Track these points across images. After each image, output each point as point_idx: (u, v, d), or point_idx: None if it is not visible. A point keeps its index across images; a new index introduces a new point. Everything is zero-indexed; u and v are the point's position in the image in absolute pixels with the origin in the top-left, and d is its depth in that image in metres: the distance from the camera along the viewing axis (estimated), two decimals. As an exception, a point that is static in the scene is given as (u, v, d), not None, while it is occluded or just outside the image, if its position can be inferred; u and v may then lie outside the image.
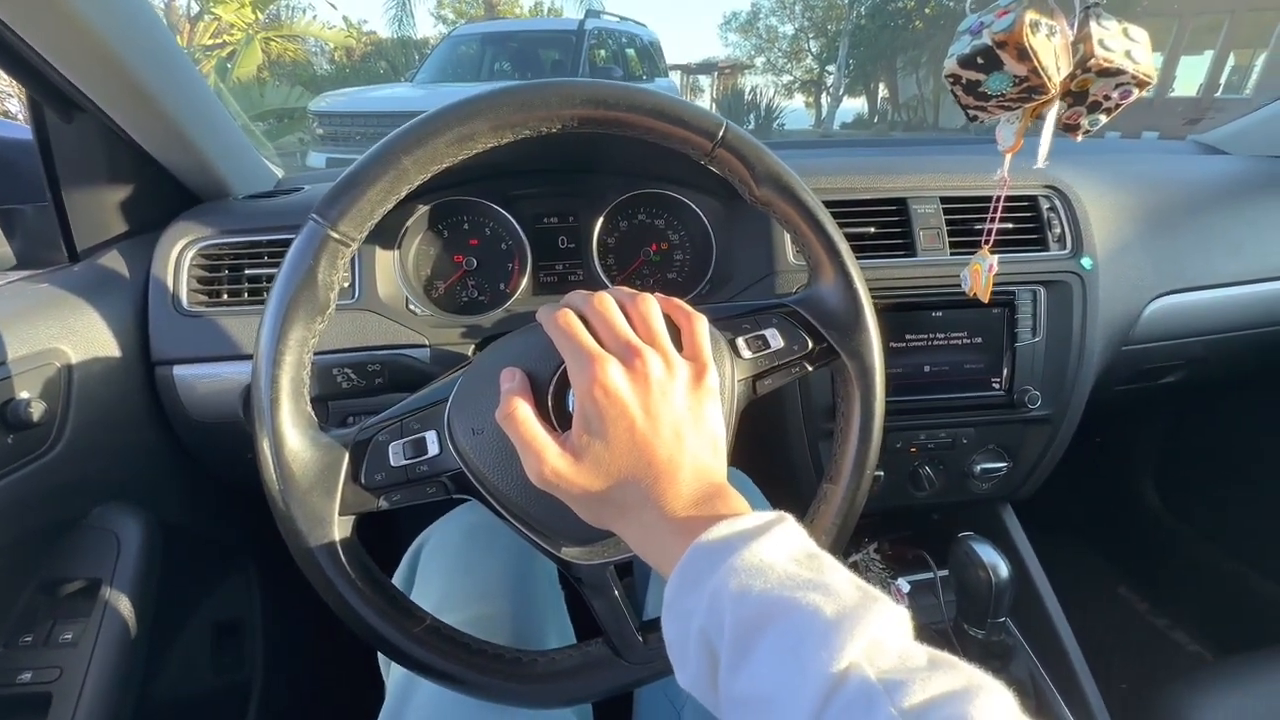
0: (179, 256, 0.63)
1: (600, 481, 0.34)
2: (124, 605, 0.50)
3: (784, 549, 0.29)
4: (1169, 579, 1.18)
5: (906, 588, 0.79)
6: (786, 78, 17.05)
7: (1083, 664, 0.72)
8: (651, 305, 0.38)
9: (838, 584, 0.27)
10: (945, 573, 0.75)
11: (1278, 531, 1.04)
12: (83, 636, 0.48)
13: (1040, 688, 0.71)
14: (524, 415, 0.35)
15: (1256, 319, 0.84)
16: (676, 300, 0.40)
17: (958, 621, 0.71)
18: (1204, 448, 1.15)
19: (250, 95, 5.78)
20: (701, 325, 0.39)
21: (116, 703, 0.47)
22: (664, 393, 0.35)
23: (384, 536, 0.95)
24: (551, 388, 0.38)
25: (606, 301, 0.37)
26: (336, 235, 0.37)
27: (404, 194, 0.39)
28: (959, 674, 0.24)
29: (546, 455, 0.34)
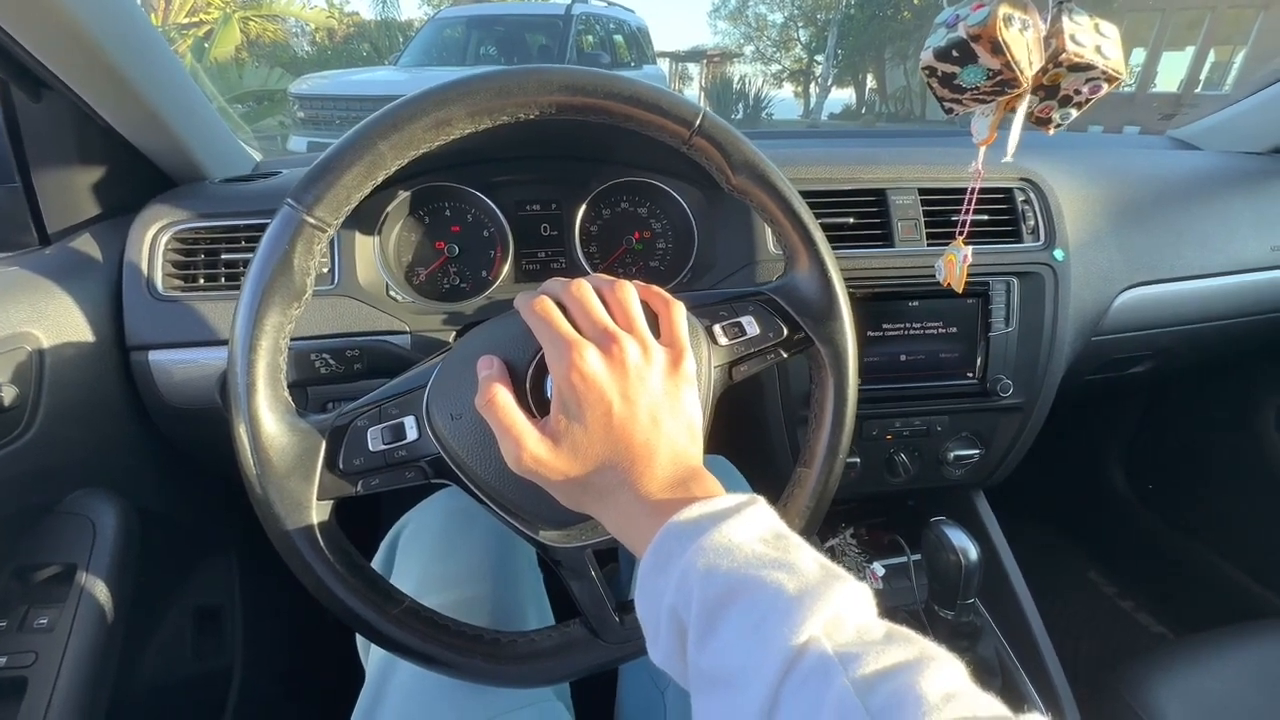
0: (153, 240, 0.62)
1: (578, 466, 0.34)
2: (100, 591, 0.50)
3: (753, 529, 0.30)
4: (1135, 562, 1.22)
5: (881, 571, 0.81)
6: (775, 67, 16.99)
7: (1048, 644, 0.74)
8: (629, 292, 0.38)
9: (802, 562, 0.28)
10: (918, 557, 0.77)
11: (1240, 517, 1.08)
12: (58, 622, 0.47)
13: (1006, 666, 0.73)
14: (503, 401, 0.35)
15: (1223, 311, 0.86)
16: (654, 287, 0.41)
17: (929, 603, 0.73)
18: (1171, 436, 1.19)
19: (228, 76, 5.62)
20: (679, 311, 0.39)
21: (93, 688, 0.47)
22: (641, 378, 0.35)
23: (365, 522, 0.96)
24: (529, 374, 0.38)
25: (584, 288, 0.38)
26: (312, 221, 0.37)
27: (381, 179, 0.39)
28: (912, 646, 0.25)
29: (525, 441, 0.34)
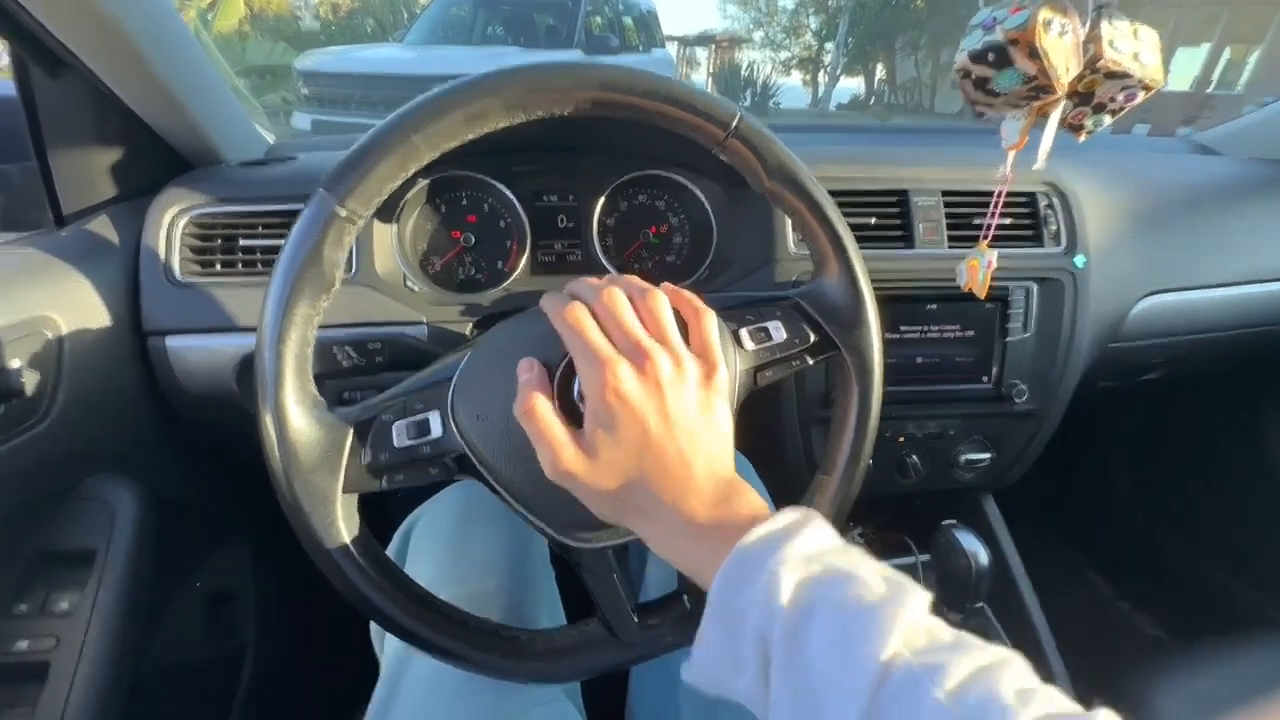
0: (170, 225, 0.62)
1: (614, 481, 0.34)
2: (119, 576, 0.50)
3: (819, 544, 0.30)
4: (1136, 566, 1.23)
5: (888, 571, 0.81)
6: (784, 54, 16.76)
7: (1053, 647, 0.75)
8: (661, 302, 0.38)
9: (871, 575, 0.29)
10: (926, 557, 0.77)
11: (1241, 525, 1.08)
12: (79, 606, 0.48)
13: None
14: (543, 412, 0.35)
15: (1239, 320, 0.86)
16: (686, 294, 0.40)
17: (937, 605, 0.73)
18: (1178, 442, 1.19)
19: (232, 50, 5.54)
20: (710, 321, 0.39)
21: (114, 672, 0.47)
22: (676, 394, 0.35)
23: (376, 513, 0.96)
24: (558, 378, 0.38)
25: (616, 297, 0.37)
26: (344, 212, 0.37)
27: (413, 171, 0.38)
28: (984, 651, 0.26)
29: (562, 452, 0.34)
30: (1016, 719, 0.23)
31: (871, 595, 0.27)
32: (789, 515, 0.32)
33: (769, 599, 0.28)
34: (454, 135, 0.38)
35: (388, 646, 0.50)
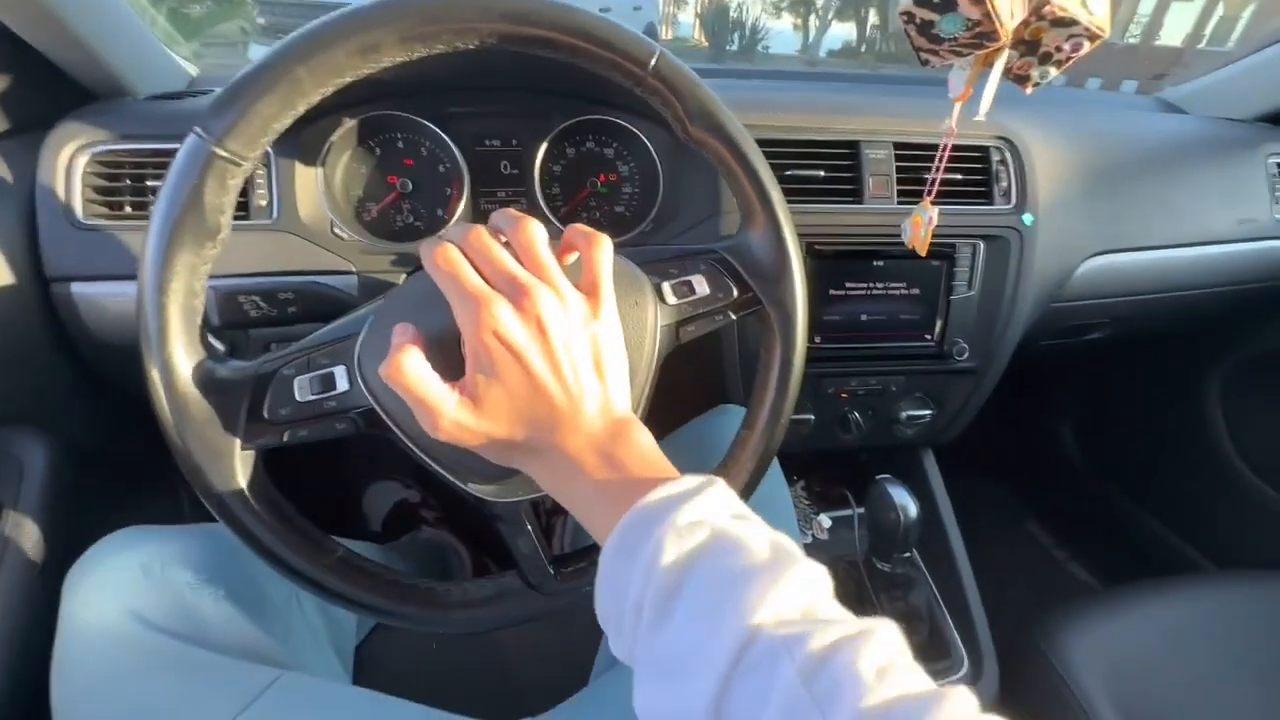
0: (70, 162, 0.57)
1: (502, 428, 0.33)
2: (29, 530, 0.49)
3: (712, 511, 0.30)
4: (1074, 518, 1.28)
5: (828, 523, 0.84)
6: (775, -5, 16.08)
7: (976, 597, 0.79)
8: (534, 232, 0.35)
9: (757, 545, 0.28)
10: (863, 510, 0.80)
11: (1177, 479, 1.13)
12: (-14, 560, 0.47)
13: (935, 616, 0.78)
14: (410, 370, 0.33)
15: (1183, 282, 0.87)
16: (579, 225, 0.38)
17: (868, 555, 0.76)
18: (1120, 399, 1.22)
19: (181, -28, 5.13)
20: (601, 250, 0.36)
21: (27, 627, 0.47)
22: (559, 329, 0.33)
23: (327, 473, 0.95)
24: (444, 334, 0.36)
25: (482, 234, 0.35)
26: (224, 154, 0.34)
27: (303, 109, 0.36)
28: (852, 622, 0.25)
29: (442, 409, 0.33)
30: (869, 696, 0.22)
31: (750, 565, 0.27)
32: (689, 480, 0.31)
33: (650, 564, 0.28)
34: (344, 69, 0.35)
35: None
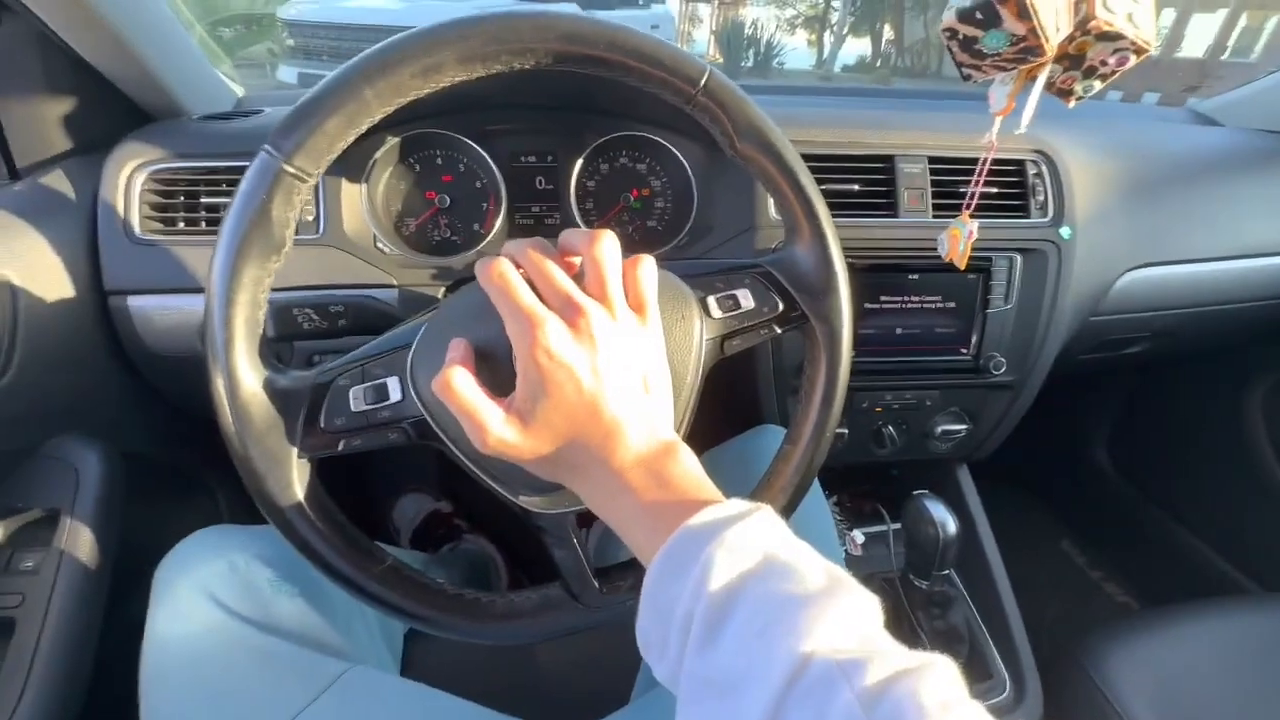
0: (129, 180, 0.60)
1: (548, 444, 0.34)
2: (84, 535, 0.50)
3: (762, 535, 0.29)
4: (1110, 535, 1.25)
5: (861, 539, 0.83)
6: (790, 12, 16.16)
7: (1016, 615, 0.77)
8: (611, 250, 0.36)
9: (810, 571, 0.28)
10: (898, 526, 0.78)
11: (1217, 496, 1.10)
12: (43, 565, 0.48)
13: (975, 635, 0.76)
14: (460, 385, 0.33)
15: (1225, 295, 0.85)
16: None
17: (905, 572, 0.75)
18: (1158, 414, 1.20)
19: (213, -3, 5.31)
20: (645, 270, 0.37)
21: (81, 628, 0.48)
22: (610, 349, 0.34)
23: (355, 485, 0.96)
24: (495, 347, 0.36)
25: (542, 251, 0.36)
26: (292, 170, 0.35)
27: (365, 127, 0.37)
28: (912, 655, 0.25)
29: (489, 424, 0.33)
30: None
31: (804, 589, 0.26)
32: (738, 504, 0.31)
33: (700, 582, 0.27)
34: (408, 89, 0.36)
35: None
